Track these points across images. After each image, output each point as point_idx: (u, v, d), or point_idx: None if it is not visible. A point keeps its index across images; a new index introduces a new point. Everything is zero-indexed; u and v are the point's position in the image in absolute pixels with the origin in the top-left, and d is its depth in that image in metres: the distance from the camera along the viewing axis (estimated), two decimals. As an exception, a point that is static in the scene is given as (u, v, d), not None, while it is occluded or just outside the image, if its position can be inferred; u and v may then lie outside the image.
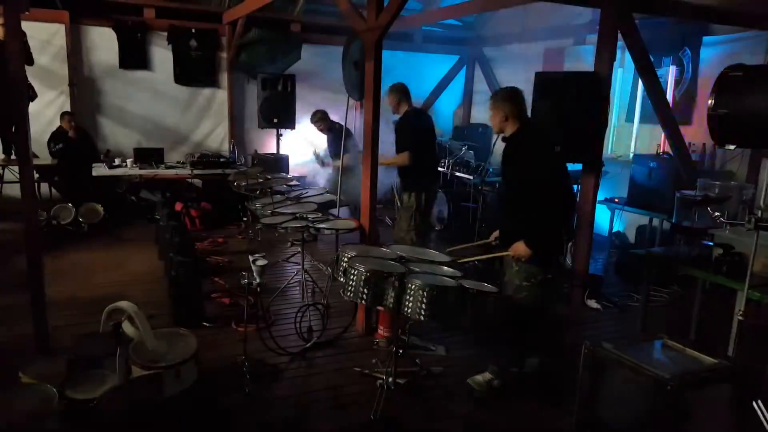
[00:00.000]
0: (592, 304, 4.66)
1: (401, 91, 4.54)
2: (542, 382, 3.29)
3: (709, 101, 2.88)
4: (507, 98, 3.08)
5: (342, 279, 3.04)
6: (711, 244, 3.48)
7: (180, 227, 4.72)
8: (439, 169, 6.45)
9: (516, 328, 3.08)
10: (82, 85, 7.03)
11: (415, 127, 4.55)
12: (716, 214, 3.22)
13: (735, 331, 2.99)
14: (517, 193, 3.11)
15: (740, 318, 2.93)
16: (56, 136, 6.59)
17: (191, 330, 3.32)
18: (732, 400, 2.57)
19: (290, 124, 7.08)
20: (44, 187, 6.69)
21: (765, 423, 2.75)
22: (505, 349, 3.18)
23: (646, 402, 2.45)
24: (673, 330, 2.94)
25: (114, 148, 7.15)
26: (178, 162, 7.20)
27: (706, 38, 5.48)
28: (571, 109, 4.40)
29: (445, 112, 8.97)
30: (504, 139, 3.15)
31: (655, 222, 5.35)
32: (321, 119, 6.21)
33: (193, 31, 7.41)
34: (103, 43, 7.04)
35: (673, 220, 4.21)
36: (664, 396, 2.35)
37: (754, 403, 2.77)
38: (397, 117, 4.70)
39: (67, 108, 6.85)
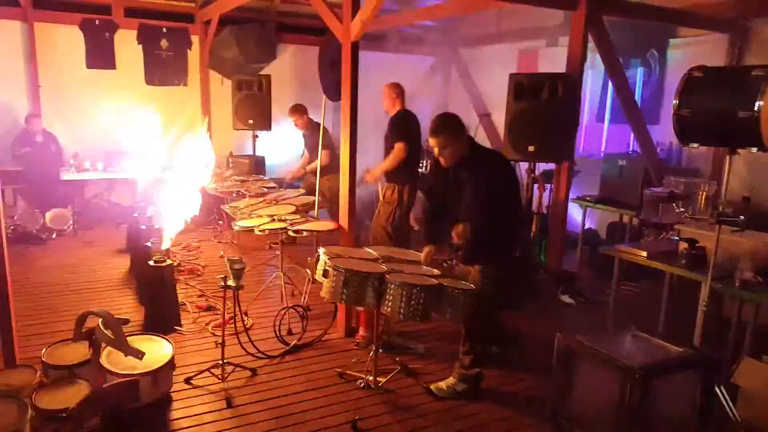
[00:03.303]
0: (566, 299, 4.76)
1: (398, 91, 4.82)
2: (514, 375, 3.38)
3: (674, 101, 2.98)
4: (459, 126, 3.02)
5: (322, 280, 3.05)
6: (677, 238, 3.60)
7: (153, 231, 4.64)
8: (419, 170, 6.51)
9: (478, 325, 3.10)
10: (48, 87, 6.83)
11: (409, 124, 4.76)
12: (681, 209, 3.34)
13: (699, 321, 3.10)
14: (469, 206, 3.07)
15: (704, 309, 3.05)
16: (21, 140, 6.40)
17: (167, 336, 3.30)
18: (697, 386, 2.68)
19: (266, 125, 7.03)
20: (9, 192, 6.50)
21: (727, 407, 2.88)
22: (470, 347, 3.20)
23: (617, 390, 2.54)
24: (642, 322, 3.03)
25: (82, 152, 6.98)
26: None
27: (671, 40, 5.66)
28: (544, 109, 4.51)
29: (422, 113, 9.00)
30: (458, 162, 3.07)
31: (625, 218, 5.49)
32: (298, 113, 6.17)
33: (164, 30, 7.29)
34: (69, 42, 6.86)
35: (642, 216, 4.34)
36: (634, 384, 2.44)
37: (717, 389, 2.90)
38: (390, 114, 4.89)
39: (33, 110, 6.67)
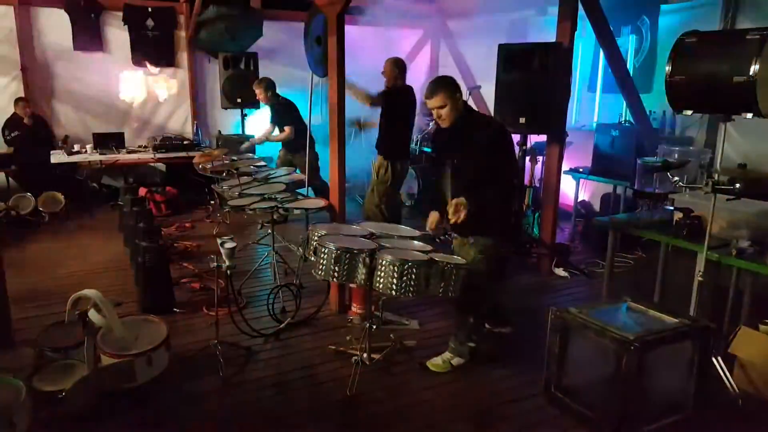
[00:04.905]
0: (560, 272, 4.76)
1: (400, 67, 4.81)
2: (508, 348, 3.39)
3: (666, 68, 2.92)
4: (454, 85, 2.98)
5: (313, 258, 3.04)
6: (672, 208, 3.57)
7: (145, 213, 4.61)
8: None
9: (472, 299, 3.09)
10: (35, 70, 6.74)
11: (402, 101, 4.82)
12: (675, 179, 3.30)
13: (696, 291, 3.09)
14: (468, 173, 3.06)
15: (700, 279, 3.04)
16: (11, 124, 6.35)
17: (161, 316, 3.29)
18: (693, 357, 2.68)
19: (254, 103, 6.94)
20: (0, 176, 6.45)
21: (723, 376, 2.89)
22: (463, 320, 3.21)
23: (612, 362, 2.53)
24: (637, 293, 3.03)
25: (72, 134, 6.89)
26: (139, 146, 7.02)
27: (663, 6, 5.55)
28: (534, 80, 4.44)
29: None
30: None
31: (619, 190, 5.47)
32: (260, 86, 5.90)
33: (150, 9, 7.17)
34: (54, 24, 6.74)
35: (636, 187, 4.31)
36: (629, 356, 2.43)
37: (714, 359, 2.91)
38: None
39: (21, 94, 6.58)
